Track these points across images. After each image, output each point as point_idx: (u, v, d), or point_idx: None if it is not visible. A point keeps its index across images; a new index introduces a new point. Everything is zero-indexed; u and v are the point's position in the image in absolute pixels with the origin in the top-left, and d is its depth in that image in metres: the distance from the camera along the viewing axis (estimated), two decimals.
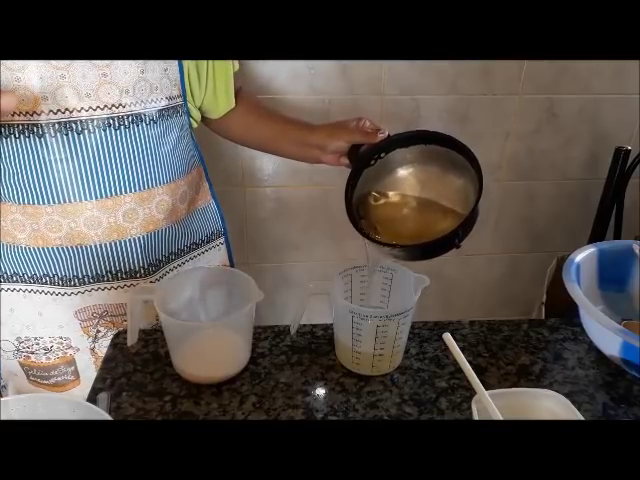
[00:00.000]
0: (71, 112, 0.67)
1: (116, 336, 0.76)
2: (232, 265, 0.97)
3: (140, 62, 0.69)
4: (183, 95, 0.77)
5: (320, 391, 0.66)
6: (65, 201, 0.71)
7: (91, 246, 0.75)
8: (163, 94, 0.73)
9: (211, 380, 0.67)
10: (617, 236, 1.33)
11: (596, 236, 1.32)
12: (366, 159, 0.72)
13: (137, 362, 0.71)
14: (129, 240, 0.77)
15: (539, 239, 1.47)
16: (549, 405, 0.56)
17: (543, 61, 1.22)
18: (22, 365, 0.84)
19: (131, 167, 0.73)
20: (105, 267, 0.77)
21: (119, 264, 0.78)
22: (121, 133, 0.71)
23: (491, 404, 0.54)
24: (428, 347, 0.74)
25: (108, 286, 0.79)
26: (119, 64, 0.67)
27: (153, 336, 0.75)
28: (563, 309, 0.78)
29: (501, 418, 0.53)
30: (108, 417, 0.49)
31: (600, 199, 1.31)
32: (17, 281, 0.78)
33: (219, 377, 0.67)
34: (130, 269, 0.79)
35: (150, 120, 0.72)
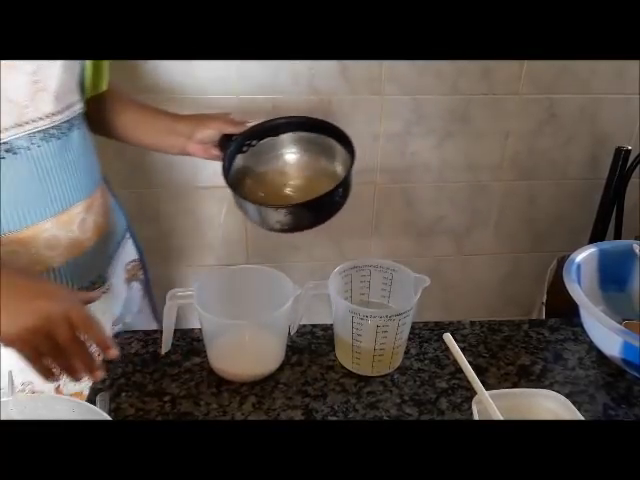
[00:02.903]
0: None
1: (115, 337, 0.75)
2: (140, 252, 0.89)
3: (67, 65, 0.64)
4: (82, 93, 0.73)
5: (320, 391, 0.66)
6: (26, 224, 0.63)
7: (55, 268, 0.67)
8: (78, 97, 0.70)
9: (249, 378, 0.68)
10: (617, 236, 1.33)
11: (596, 236, 1.32)
12: (238, 146, 0.76)
13: (136, 362, 0.71)
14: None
15: (539, 239, 1.47)
16: (549, 405, 0.56)
17: (543, 61, 1.21)
18: None
19: (77, 174, 0.68)
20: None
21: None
22: (62, 142, 0.66)
23: (491, 404, 0.54)
24: (428, 347, 0.73)
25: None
26: (47, 66, 0.62)
27: (152, 336, 0.75)
28: (564, 309, 0.78)
29: (501, 418, 0.53)
30: (107, 417, 0.49)
31: (600, 199, 1.31)
32: None
33: (256, 374, 0.68)
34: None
35: (79, 123, 0.69)
